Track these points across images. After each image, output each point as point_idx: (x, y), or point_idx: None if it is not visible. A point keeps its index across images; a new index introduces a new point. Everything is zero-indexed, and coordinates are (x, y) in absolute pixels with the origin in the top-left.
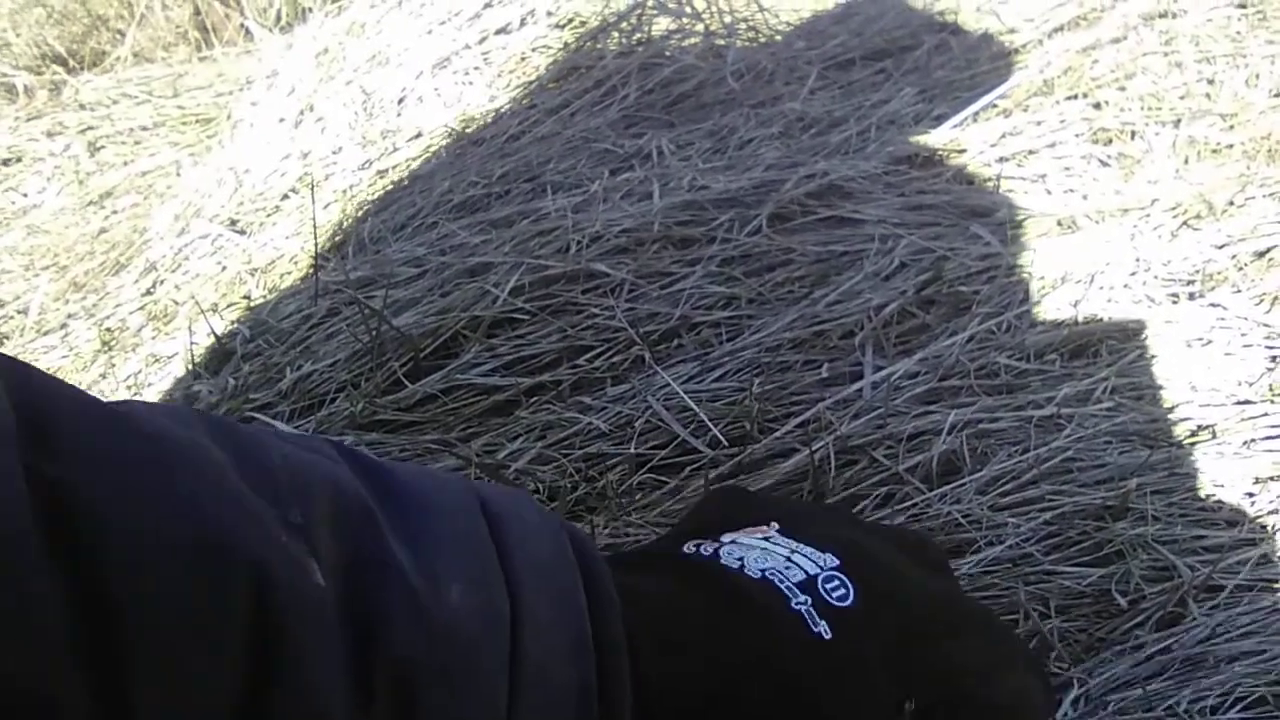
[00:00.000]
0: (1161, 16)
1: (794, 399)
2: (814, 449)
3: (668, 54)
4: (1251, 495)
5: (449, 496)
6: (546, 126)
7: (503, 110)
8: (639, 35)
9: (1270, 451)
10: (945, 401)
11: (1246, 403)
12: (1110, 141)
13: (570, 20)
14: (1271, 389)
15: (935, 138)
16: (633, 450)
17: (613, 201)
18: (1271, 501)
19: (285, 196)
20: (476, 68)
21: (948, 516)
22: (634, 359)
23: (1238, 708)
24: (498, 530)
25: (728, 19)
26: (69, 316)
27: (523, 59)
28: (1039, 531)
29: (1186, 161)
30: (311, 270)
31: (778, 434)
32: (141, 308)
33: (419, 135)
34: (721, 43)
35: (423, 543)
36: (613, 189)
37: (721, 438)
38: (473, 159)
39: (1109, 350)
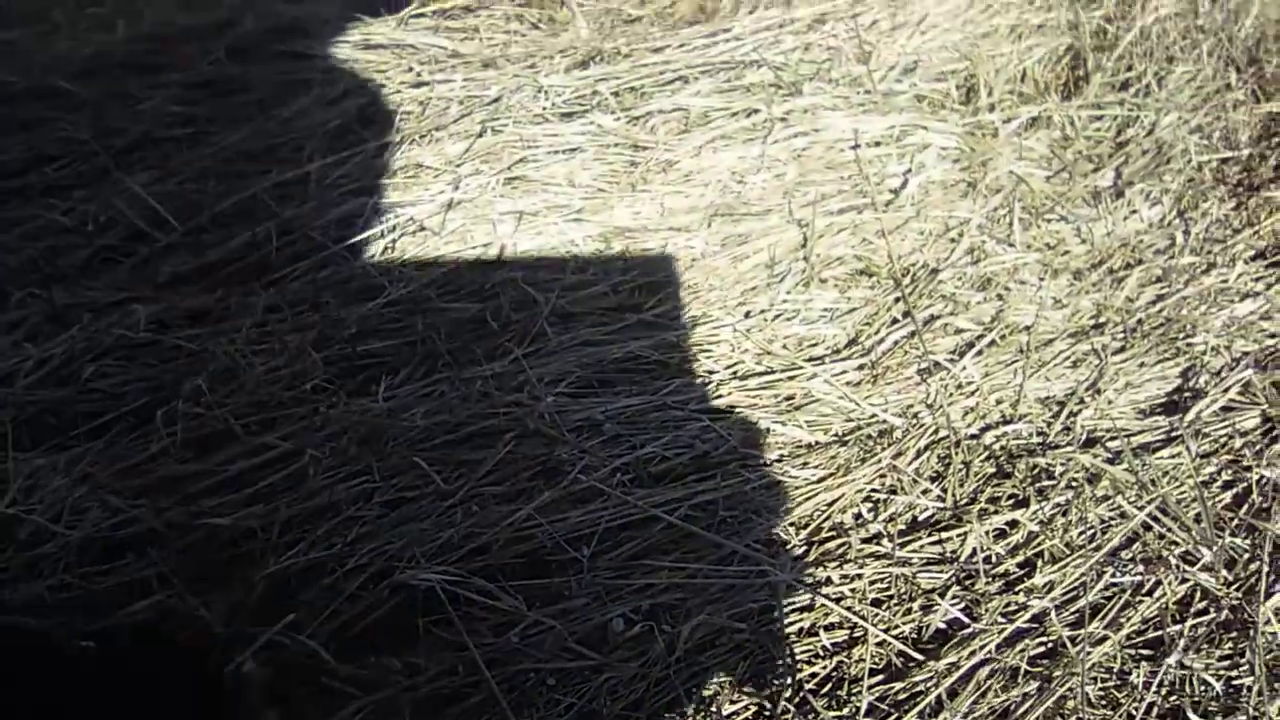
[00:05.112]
0: None
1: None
2: (257, 230)
3: None
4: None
5: None
6: None
7: None
8: None
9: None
10: (369, 190)
11: None
12: None
13: None
14: None
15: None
16: (94, 238)
17: (77, 33)
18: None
19: None
20: None
21: (361, 271)
22: (99, 169)
23: (569, 383)
24: None
25: None
26: None
27: None
28: (436, 280)
29: None
30: None
31: (231, 228)
32: None
33: None
34: None
35: None
36: (78, 20)
37: (176, 225)
38: None
39: None
